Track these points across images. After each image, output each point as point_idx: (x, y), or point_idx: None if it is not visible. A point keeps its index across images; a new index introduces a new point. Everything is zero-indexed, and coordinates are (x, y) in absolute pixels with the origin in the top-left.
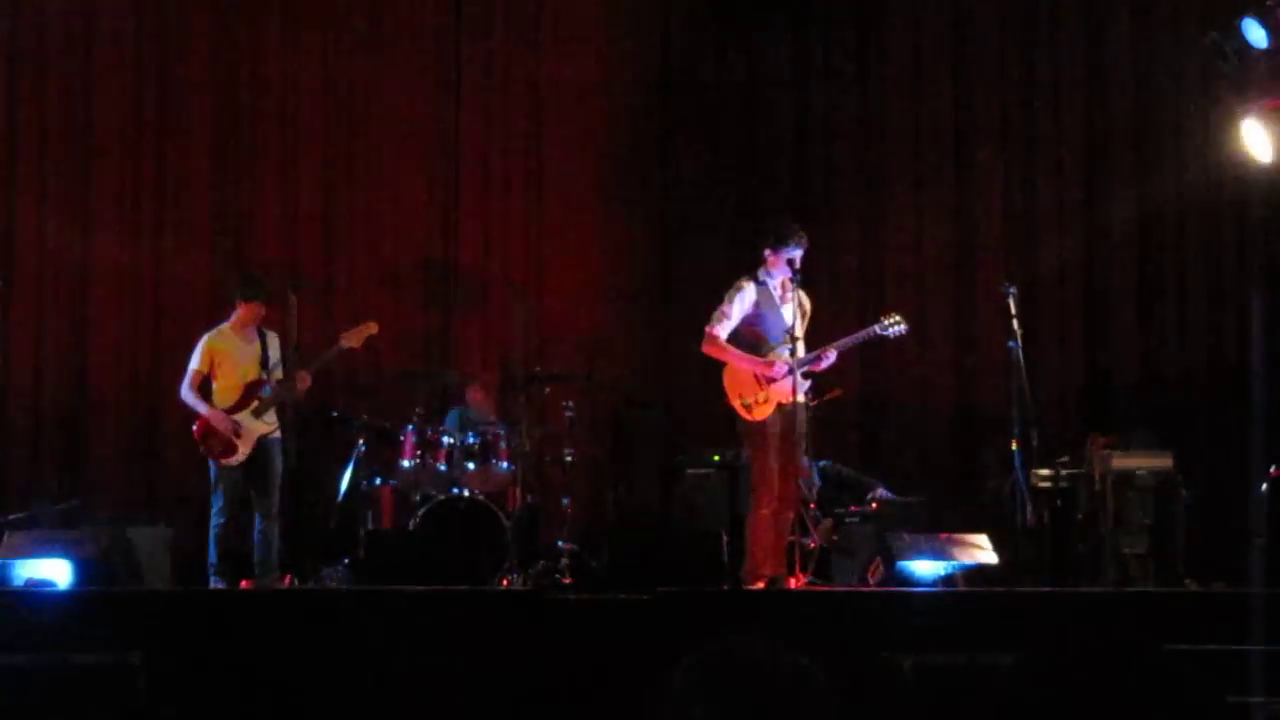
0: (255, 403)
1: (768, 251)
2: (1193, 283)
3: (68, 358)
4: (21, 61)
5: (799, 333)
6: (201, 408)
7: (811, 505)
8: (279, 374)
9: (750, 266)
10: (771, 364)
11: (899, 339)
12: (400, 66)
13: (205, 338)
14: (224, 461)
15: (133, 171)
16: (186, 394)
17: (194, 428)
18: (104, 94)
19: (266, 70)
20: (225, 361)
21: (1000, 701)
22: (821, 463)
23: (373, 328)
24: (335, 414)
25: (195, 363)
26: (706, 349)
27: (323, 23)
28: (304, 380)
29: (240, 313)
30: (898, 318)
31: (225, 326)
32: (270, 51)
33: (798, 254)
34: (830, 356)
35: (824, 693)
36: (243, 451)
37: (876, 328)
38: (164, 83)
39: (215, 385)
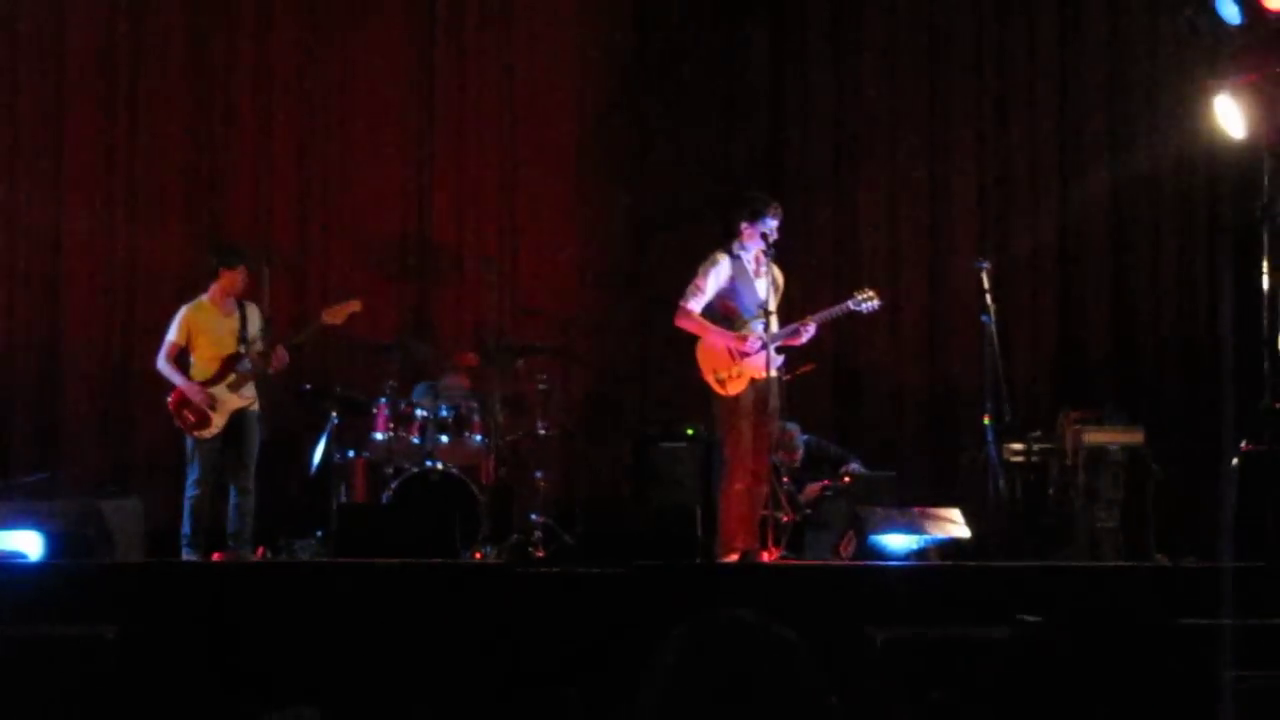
0: (232, 376)
1: (743, 224)
2: (1165, 259)
3: (39, 330)
4: None
5: (772, 307)
6: (177, 379)
7: (785, 479)
8: (259, 347)
9: (724, 240)
10: (745, 338)
11: (872, 314)
12: (375, 40)
13: (183, 309)
14: (199, 434)
15: (105, 144)
16: (163, 365)
17: (169, 399)
18: (76, 66)
19: (240, 44)
20: (203, 334)
21: (975, 674)
22: (803, 436)
23: (355, 305)
24: (308, 387)
25: (172, 335)
26: (679, 322)
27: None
28: (280, 357)
29: (220, 283)
30: (871, 293)
31: (204, 299)
32: (245, 25)
33: (773, 225)
34: (809, 330)
35: (813, 664)
36: (217, 424)
37: (850, 303)
38: (137, 55)
39: (193, 358)
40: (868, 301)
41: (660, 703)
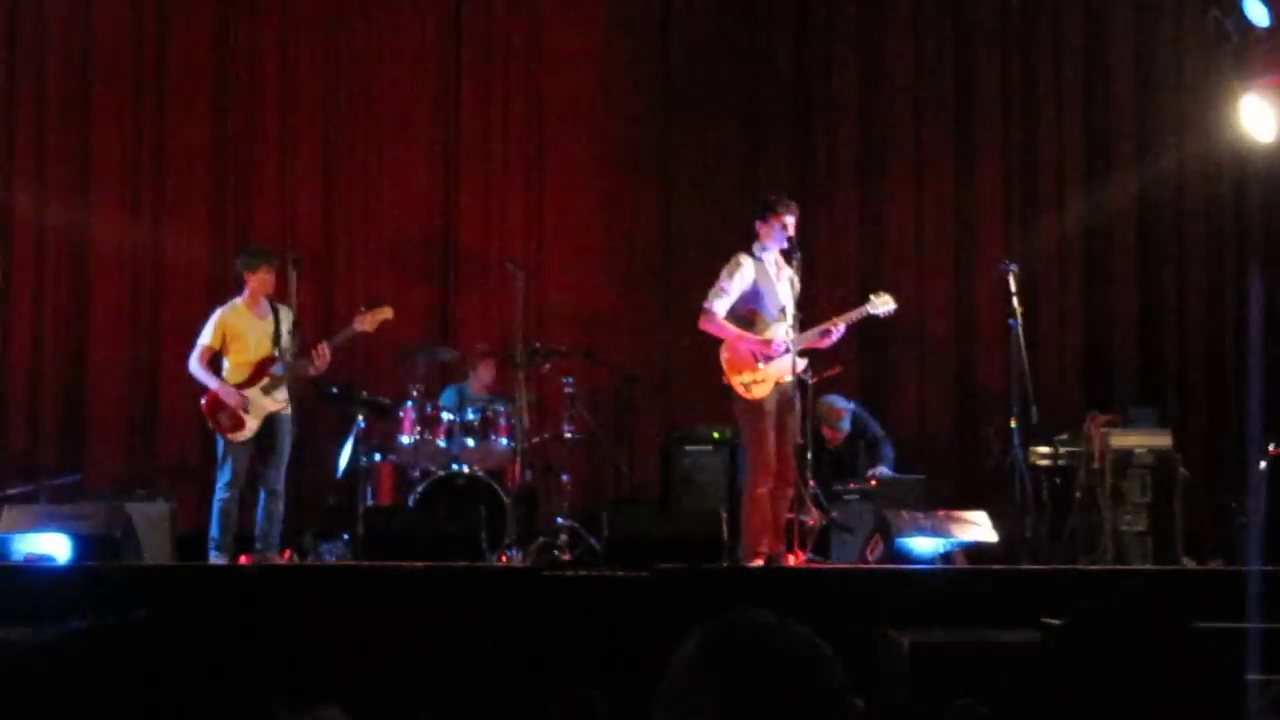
0: (266, 379)
1: (757, 223)
2: (1193, 261)
3: (67, 333)
4: (21, 40)
5: (792, 310)
6: (212, 382)
7: (811, 482)
8: (292, 350)
9: (745, 242)
10: (770, 342)
11: (889, 318)
12: (400, 43)
13: (218, 312)
14: (232, 437)
15: (132, 148)
16: (195, 368)
17: (202, 402)
18: (103, 71)
19: (266, 47)
20: (238, 338)
21: (1001, 678)
22: (850, 405)
23: (388, 312)
24: (335, 390)
25: (207, 338)
26: (704, 325)
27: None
28: (322, 356)
29: (252, 285)
30: (887, 297)
31: (239, 302)
32: (270, 29)
33: (788, 223)
34: (837, 332)
35: (835, 666)
36: (251, 427)
37: (868, 307)
38: (164, 60)
39: (226, 360)
40: (884, 305)
41: (677, 704)
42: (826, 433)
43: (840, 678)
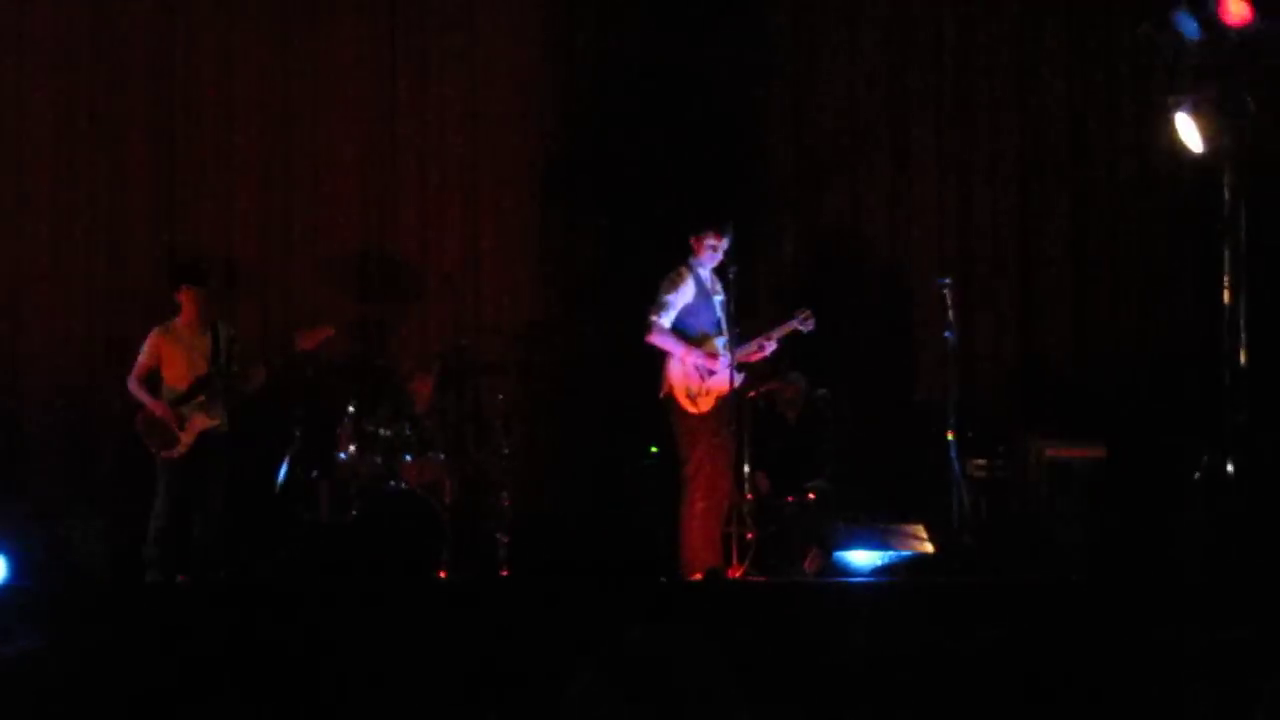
0: (202, 396)
1: (692, 239)
2: (1127, 273)
3: (1, 351)
4: None
5: (725, 325)
6: (145, 399)
7: (749, 496)
8: (232, 368)
9: (683, 256)
10: (715, 356)
11: (811, 334)
12: (336, 58)
13: (154, 331)
14: (166, 454)
15: (67, 164)
16: (133, 386)
17: (136, 420)
18: (39, 83)
19: (202, 63)
20: (174, 355)
21: (943, 687)
22: (819, 391)
23: (329, 331)
24: (271, 405)
25: (143, 356)
26: (652, 339)
27: (259, 17)
28: (259, 374)
29: (183, 304)
30: (808, 312)
31: (176, 320)
32: (207, 43)
33: (719, 243)
34: (770, 346)
35: (730, 686)
36: (184, 444)
37: (796, 321)
38: (99, 74)
39: (164, 376)
40: (806, 320)
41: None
42: (785, 411)
43: (735, 699)
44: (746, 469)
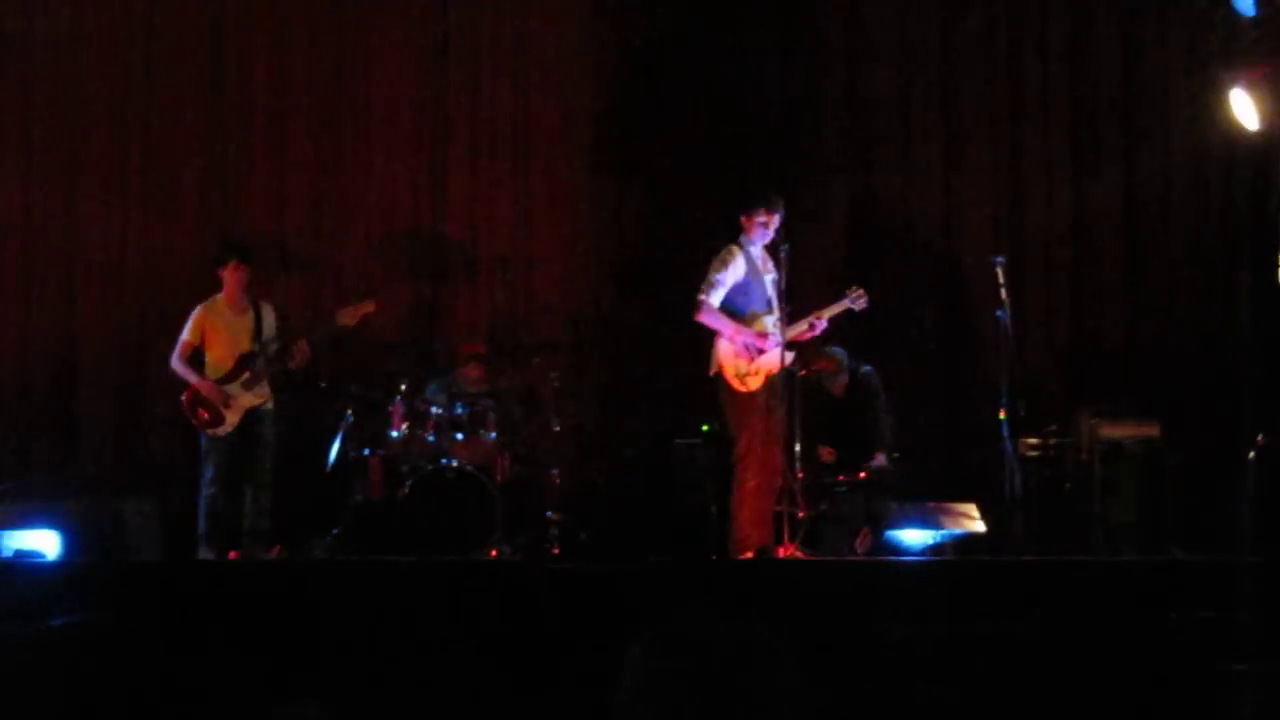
0: (246, 374)
1: (742, 217)
2: (1180, 250)
3: (55, 331)
4: (7, 32)
5: (777, 303)
6: (191, 377)
7: (800, 474)
8: (274, 345)
9: (733, 234)
10: (766, 335)
11: (863, 312)
12: (387, 37)
13: (198, 309)
14: (212, 433)
15: (119, 143)
16: (177, 364)
17: (183, 397)
18: (90, 64)
19: (254, 42)
20: (217, 333)
21: (994, 667)
22: (865, 368)
23: (370, 306)
24: (323, 384)
25: (186, 334)
26: (701, 317)
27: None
28: (301, 351)
29: (226, 281)
30: (860, 291)
31: (219, 298)
32: (259, 24)
33: (771, 220)
34: (821, 325)
35: (787, 668)
36: (231, 422)
37: (847, 300)
38: (151, 54)
39: (207, 356)
40: (859, 300)
41: (633, 704)
42: (830, 386)
43: (795, 677)
44: (798, 447)
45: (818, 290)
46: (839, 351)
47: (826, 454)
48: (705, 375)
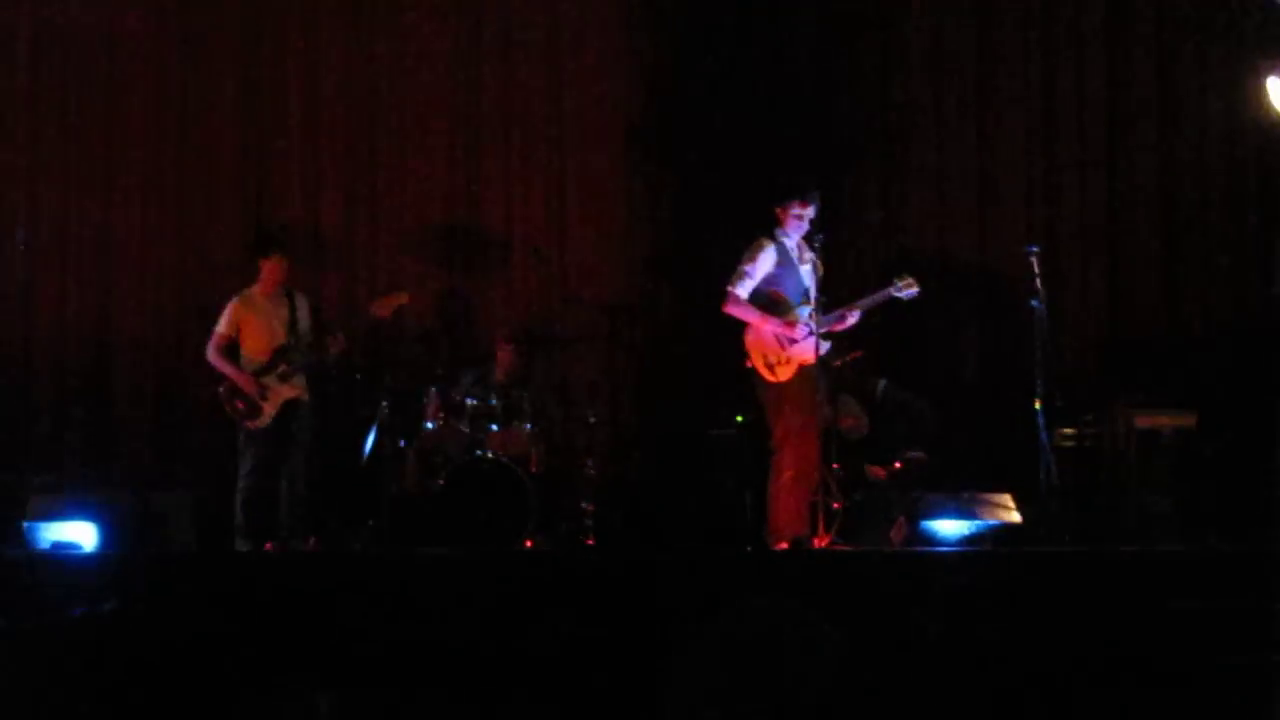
0: (282, 366)
1: (778, 209)
2: (1216, 240)
3: (91, 324)
4: (47, 30)
5: (815, 293)
6: (228, 370)
7: (835, 465)
8: (309, 337)
9: (767, 226)
10: (794, 325)
11: (911, 300)
12: (420, 30)
13: (233, 301)
14: (250, 424)
15: (155, 136)
16: (213, 356)
17: (219, 390)
18: (128, 58)
19: (288, 37)
20: (253, 325)
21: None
22: (881, 381)
23: (403, 298)
24: (358, 376)
25: (221, 326)
26: (729, 309)
27: None
28: (337, 342)
29: (264, 272)
30: (910, 279)
31: (254, 289)
32: (292, 18)
33: (807, 210)
34: (853, 317)
35: (843, 657)
36: (268, 414)
37: (891, 289)
38: (188, 48)
39: (243, 348)
40: (908, 289)
41: (687, 693)
42: (850, 423)
43: (847, 669)
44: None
45: (847, 279)
46: (854, 405)
47: (877, 471)
48: (740, 366)
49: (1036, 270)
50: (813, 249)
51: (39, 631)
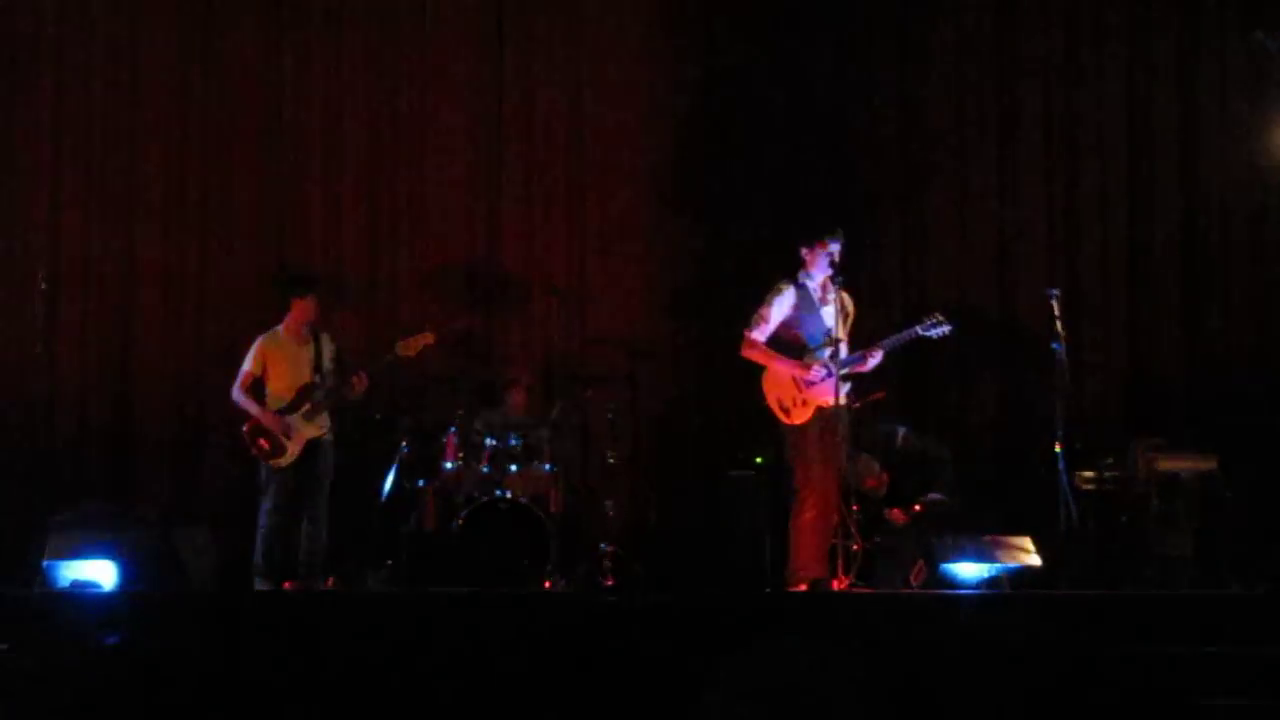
0: (307, 405)
1: (804, 250)
2: (1237, 283)
3: (113, 358)
4: (68, 63)
5: (840, 334)
6: (253, 408)
7: (855, 507)
8: (333, 377)
9: (790, 269)
10: (809, 367)
11: (941, 339)
12: (443, 69)
13: (259, 340)
14: (273, 463)
15: (177, 173)
16: (238, 395)
17: (244, 428)
18: (149, 94)
19: (311, 74)
20: (278, 364)
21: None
22: (901, 429)
23: (429, 338)
24: (378, 416)
25: (248, 364)
26: (745, 353)
27: (367, 27)
28: (361, 382)
29: (294, 312)
30: (940, 317)
31: (279, 329)
32: (315, 55)
33: (835, 249)
34: (875, 357)
35: (863, 695)
36: (292, 453)
37: (919, 328)
38: (209, 84)
39: (268, 387)
40: (937, 327)
41: None
42: (870, 483)
43: (868, 707)
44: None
45: (870, 321)
46: (875, 466)
47: (897, 515)
48: (760, 407)
49: (1057, 313)
50: (836, 290)
51: (56, 668)
